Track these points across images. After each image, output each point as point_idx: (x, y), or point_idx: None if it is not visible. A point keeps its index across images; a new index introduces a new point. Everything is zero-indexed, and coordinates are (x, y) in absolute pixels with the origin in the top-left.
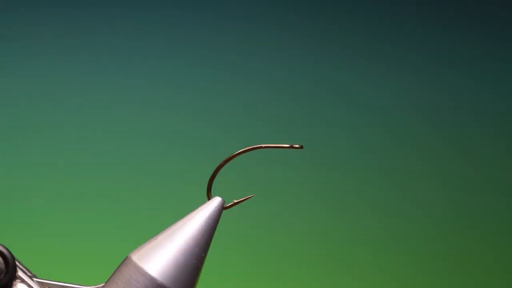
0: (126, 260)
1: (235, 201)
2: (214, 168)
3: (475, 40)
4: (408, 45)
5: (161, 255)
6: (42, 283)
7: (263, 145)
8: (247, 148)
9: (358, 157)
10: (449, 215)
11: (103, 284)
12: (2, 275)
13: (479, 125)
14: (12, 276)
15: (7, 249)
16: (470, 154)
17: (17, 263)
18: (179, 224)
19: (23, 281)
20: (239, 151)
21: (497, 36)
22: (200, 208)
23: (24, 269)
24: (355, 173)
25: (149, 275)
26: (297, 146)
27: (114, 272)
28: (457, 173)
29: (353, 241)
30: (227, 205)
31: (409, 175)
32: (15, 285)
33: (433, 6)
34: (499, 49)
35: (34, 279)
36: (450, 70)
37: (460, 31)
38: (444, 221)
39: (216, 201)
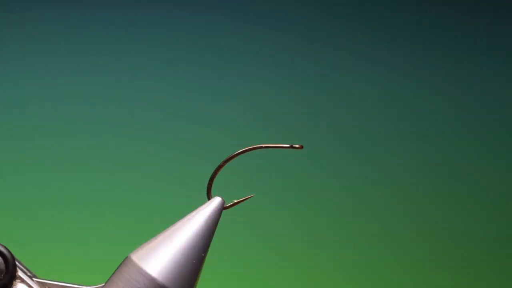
0: (126, 260)
1: (235, 201)
2: (214, 168)
3: (475, 40)
4: (408, 45)
5: (161, 255)
6: (42, 283)
7: (263, 145)
8: (247, 148)
9: (358, 157)
10: (449, 215)
11: (103, 284)
12: (2, 275)
13: (479, 125)
14: (12, 276)
15: (7, 249)
16: (470, 155)
17: (17, 263)
18: (179, 224)
19: (23, 281)
20: (239, 151)
21: (497, 36)
22: (200, 208)
23: (24, 269)
24: (355, 173)
25: (149, 275)
26: (297, 146)
27: (114, 272)
28: (457, 173)
29: (352, 242)
30: (227, 205)
31: (409, 176)
32: (15, 285)
33: (433, 6)
34: (499, 49)
35: (34, 279)
36: (450, 70)
37: (460, 31)
38: (443, 221)
39: (216, 201)
